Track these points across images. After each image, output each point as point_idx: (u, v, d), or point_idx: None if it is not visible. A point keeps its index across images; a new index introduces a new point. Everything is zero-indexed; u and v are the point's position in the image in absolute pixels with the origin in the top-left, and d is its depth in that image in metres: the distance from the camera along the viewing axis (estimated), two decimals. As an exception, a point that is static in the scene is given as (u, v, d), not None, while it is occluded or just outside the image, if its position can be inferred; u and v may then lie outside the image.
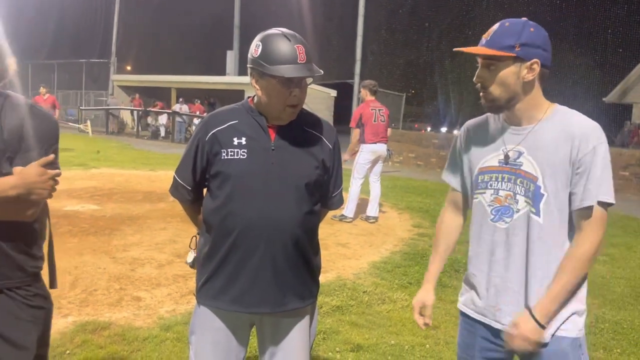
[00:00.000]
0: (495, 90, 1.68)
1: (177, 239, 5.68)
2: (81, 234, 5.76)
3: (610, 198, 1.62)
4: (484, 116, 1.87)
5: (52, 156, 1.61)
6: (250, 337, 2.02)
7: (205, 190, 1.97)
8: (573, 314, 1.69)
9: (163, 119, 22.12)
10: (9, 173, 1.56)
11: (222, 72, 23.80)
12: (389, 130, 7.56)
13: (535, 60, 1.64)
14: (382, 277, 4.89)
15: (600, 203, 1.61)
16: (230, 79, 22.28)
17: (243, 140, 1.83)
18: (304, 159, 1.87)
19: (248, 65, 1.84)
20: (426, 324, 1.88)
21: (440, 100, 28.77)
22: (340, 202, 2.07)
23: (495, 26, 1.68)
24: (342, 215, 7.17)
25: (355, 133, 7.21)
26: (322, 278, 2.12)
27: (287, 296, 1.87)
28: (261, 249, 1.81)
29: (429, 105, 31.85)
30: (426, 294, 1.91)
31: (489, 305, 1.76)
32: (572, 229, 1.67)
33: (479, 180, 1.78)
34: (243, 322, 1.93)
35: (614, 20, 19.76)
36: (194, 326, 1.97)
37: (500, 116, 1.78)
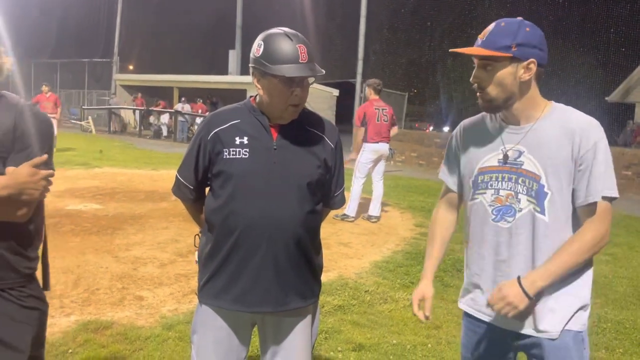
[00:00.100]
0: (492, 90, 1.68)
1: (180, 238, 5.69)
2: (83, 233, 5.76)
3: (614, 192, 1.63)
4: (479, 115, 1.87)
5: (45, 156, 1.60)
6: (252, 337, 2.02)
7: (207, 189, 1.97)
8: (579, 309, 1.69)
9: (165, 119, 22.15)
10: (2, 173, 1.55)
11: (224, 71, 23.79)
12: (396, 128, 7.54)
13: (531, 59, 1.64)
14: (384, 277, 4.89)
15: (604, 198, 1.62)
16: (232, 79, 22.25)
17: (245, 140, 1.83)
18: (305, 158, 1.87)
19: (250, 65, 1.84)
20: (426, 317, 1.86)
21: (443, 100, 28.72)
22: (342, 202, 2.07)
23: (491, 26, 1.68)
24: (344, 214, 7.17)
25: (360, 132, 7.19)
26: (324, 277, 2.11)
27: (289, 295, 1.87)
28: (263, 248, 1.81)
29: (431, 104, 31.79)
30: (425, 287, 1.88)
31: None
32: (577, 226, 1.68)
33: (479, 181, 1.77)
34: (245, 321, 1.93)
35: (616, 19, 19.68)
36: (195, 325, 1.98)
37: (497, 115, 1.78)
